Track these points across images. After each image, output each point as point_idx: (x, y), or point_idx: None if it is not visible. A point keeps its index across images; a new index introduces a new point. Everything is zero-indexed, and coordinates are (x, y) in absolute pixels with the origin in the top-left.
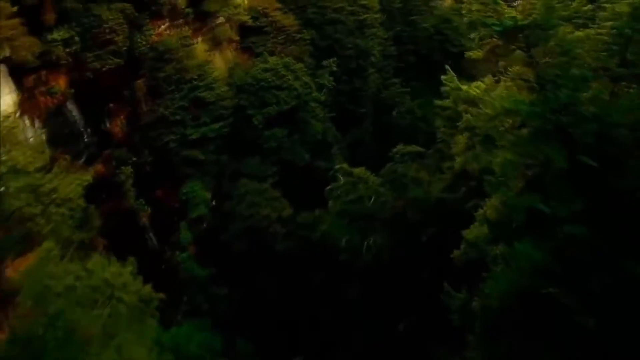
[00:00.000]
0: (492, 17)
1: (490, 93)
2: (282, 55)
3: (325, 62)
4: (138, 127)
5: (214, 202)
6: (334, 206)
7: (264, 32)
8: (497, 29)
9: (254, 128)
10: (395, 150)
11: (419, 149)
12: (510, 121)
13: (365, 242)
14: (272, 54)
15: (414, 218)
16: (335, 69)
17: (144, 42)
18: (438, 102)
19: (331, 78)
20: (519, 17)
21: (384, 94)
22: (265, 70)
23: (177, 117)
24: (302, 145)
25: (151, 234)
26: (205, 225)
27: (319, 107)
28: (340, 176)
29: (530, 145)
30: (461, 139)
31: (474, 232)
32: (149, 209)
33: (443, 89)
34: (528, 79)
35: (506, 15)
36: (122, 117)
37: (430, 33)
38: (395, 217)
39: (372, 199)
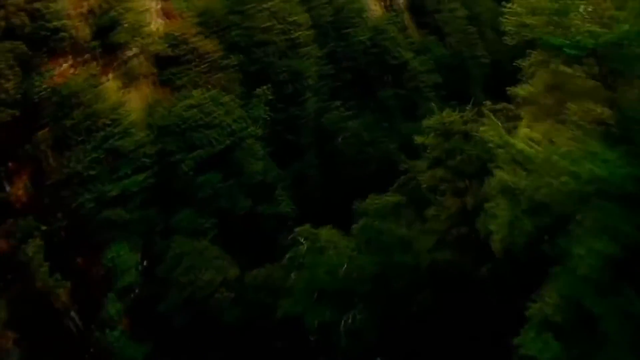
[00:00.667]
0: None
1: (551, 149)
2: (208, 86)
3: (257, 91)
4: (45, 188)
5: (145, 263)
6: (299, 280)
7: (185, 62)
8: (570, 52)
9: (183, 175)
10: (367, 202)
11: (396, 197)
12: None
13: (343, 321)
14: (196, 86)
15: (401, 286)
16: (270, 97)
17: (43, 86)
18: (420, 138)
19: (266, 108)
20: (600, 30)
21: (324, 119)
22: (190, 106)
23: (92, 172)
24: (241, 189)
25: (73, 314)
26: (137, 292)
27: (256, 144)
28: (302, 240)
29: (623, 222)
30: (501, 212)
31: (529, 340)
32: (68, 283)
33: (425, 122)
34: (606, 122)
35: (583, 30)
36: (24, 177)
37: (366, 46)
38: (377, 287)
39: (345, 267)
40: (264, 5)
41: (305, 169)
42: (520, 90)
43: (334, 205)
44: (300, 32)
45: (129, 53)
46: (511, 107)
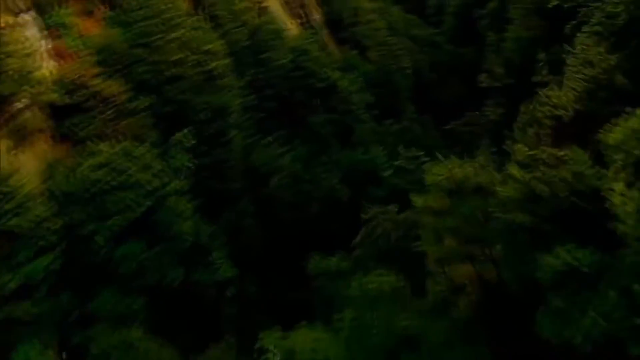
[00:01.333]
0: None
1: None
2: (118, 137)
3: (176, 136)
4: None
5: (64, 356)
6: None
7: (86, 109)
8: None
9: (98, 250)
10: (352, 286)
11: (390, 277)
12: None
13: None
14: (102, 137)
15: None
16: (191, 142)
17: None
18: (419, 200)
19: (188, 155)
20: None
21: (254, 159)
22: (99, 165)
23: None
24: (171, 257)
25: None
26: None
27: (181, 201)
28: (272, 350)
29: None
30: None
31: None
32: None
33: (429, 178)
34: None
35: None
36: None
37: (288, 70)
38: None
39: None
40: (173, 35)
41: (240, 220)
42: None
43: (278, 256)
44: (216, 62)
45: (18, 105)
46: (554, 151)
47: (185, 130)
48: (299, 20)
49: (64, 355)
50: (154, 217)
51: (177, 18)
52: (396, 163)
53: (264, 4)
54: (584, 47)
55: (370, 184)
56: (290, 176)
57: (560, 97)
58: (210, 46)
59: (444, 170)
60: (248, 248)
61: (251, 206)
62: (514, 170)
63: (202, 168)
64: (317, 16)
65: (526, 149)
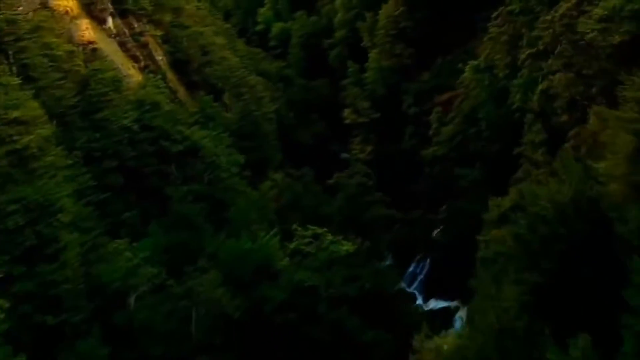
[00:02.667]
0: None
1: None
2: None
3: None
4: None
5: None
6: None
7: None
8: None
9: None
10: None
11: None
12: None
13: None
14: None
15: None
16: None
17: None
18: None
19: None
20: None
21: (99, 271)
22: None
23: None
24: None
25: None
26: None
27: None
28: None
29: None
30: None
31: None
32: None
33: None
34: None
35: None
36: None
37: (134, 131)
38: None
39: None
40: None
41: None
42: None
43: None
44: (31, 135)
45: None
46: None
47: None
48: (138, 64)
49: None
50: None
51: None
52: (292, 246)
53: (92, 46)
54: None
55: (263, 281)
56: (154, 290)
57: None
58: (19, 112)
59: None
60: None
61: (104, 345)
62: None
63: (22, 300)
64: (160, 57)
65: None
